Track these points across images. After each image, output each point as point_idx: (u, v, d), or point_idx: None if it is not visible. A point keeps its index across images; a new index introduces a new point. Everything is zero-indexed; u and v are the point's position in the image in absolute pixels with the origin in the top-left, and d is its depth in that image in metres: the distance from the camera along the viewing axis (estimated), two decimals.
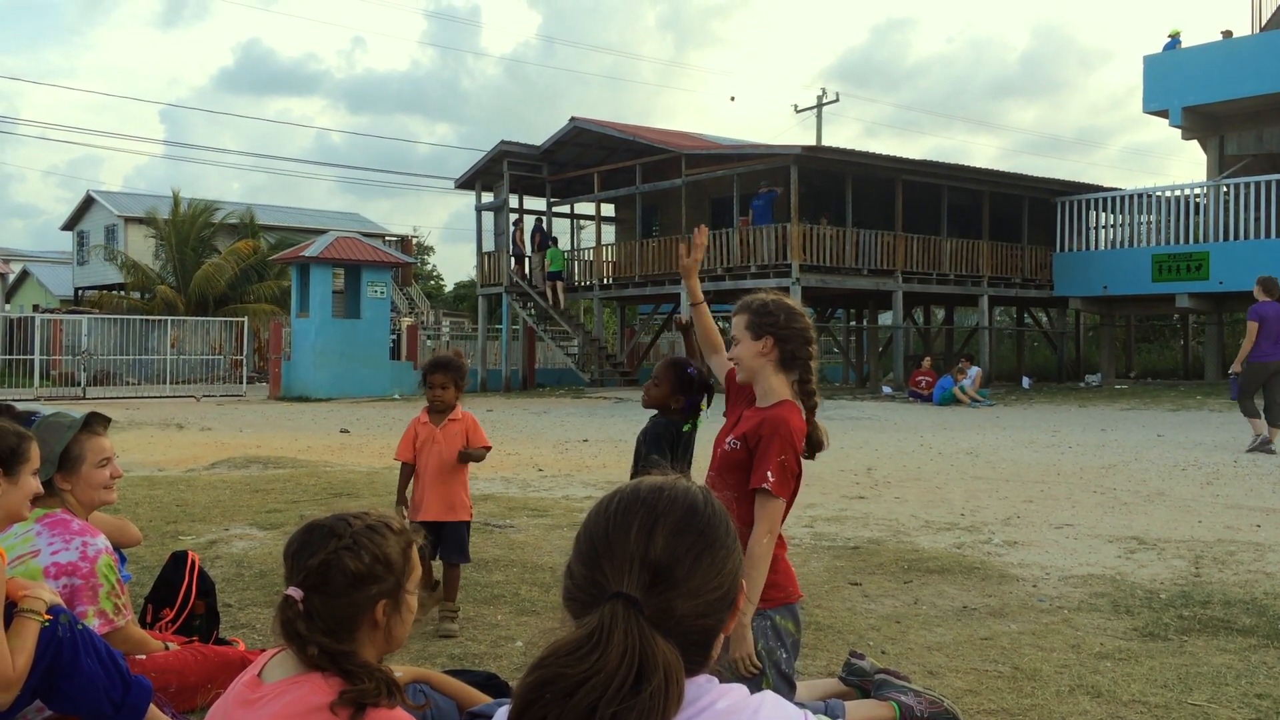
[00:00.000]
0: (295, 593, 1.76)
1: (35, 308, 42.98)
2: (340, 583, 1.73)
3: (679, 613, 1.25)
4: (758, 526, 2.93)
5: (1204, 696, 3.57)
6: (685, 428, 3.95)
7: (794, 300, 3.23)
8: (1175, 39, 24.93)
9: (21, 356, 25.60)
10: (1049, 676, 3.80)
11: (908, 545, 6.26)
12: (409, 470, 4.62)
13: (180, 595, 3.81)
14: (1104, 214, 25.45)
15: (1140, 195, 24.51)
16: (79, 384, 25.22)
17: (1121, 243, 24.83)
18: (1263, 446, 11.07)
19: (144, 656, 3.06)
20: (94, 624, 2.91)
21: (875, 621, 4.54)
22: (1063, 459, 10.84)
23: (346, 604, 1.73)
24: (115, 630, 3.01)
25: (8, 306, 40.30)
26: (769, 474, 2.93)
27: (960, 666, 3.92)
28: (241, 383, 27.38)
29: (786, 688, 3.04)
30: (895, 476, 9.49)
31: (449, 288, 59.32)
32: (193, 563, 3.89)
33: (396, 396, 24.48)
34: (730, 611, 1.33)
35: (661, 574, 1.26)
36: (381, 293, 25.61)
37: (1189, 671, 3.84)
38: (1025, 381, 24.14)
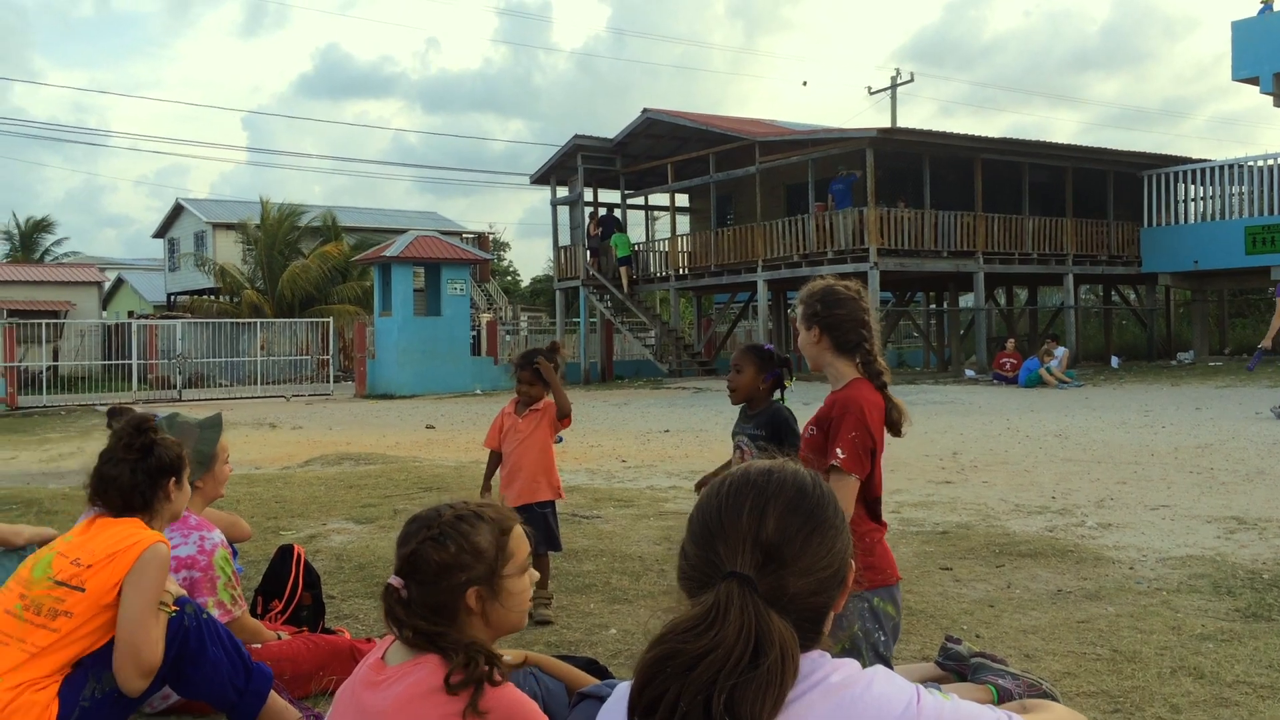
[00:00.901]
0: (396, 581, 1.85)
1: (131, 314, 44.55)
2: (429, 571, 1.80)
3: (791, 590, 1.30)
4: None
5: None
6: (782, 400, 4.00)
7: (846, 282, 3.21)
8: (1268, 4, 24.00)
9: (120, 361, 26.58)
10: (1149, 658, 3.75)
11: (998, 529, 6.19)
12: (496, 458, 4.75)
13: (288, 587, 3.97)
14: (1193, 186, 24.66)
15: (1231, 166, 23.69)
16: (175, 387, 26.10)
17: (1212, 215, 24.03)
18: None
19: (259, 645, 3.20)
20: (214, 614, 3.06)
21: (968, 606, 4.51)
22: (1156, 439, 10.58)
23: (436, 591, 1.80)
24: (232, 620, 3.16)
25: (105, 313, 41.87)
26: (839, 451, 2.95)
27: (1057, 649, 3.89)
28: (328, 382, 28.03)
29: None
30: (982, 460, 9.37)
31: (525, 283, 59.93)
32: (299, 556, 4.05)
33: (478, 392, 24.83)
34: (841, 589, 1.36)
35: (773, 553, 1.31)
36: (461, 290, 25.99)
37: None
38: (1114, 361, 23.54)
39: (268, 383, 27.20)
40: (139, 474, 2.68)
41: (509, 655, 2.16)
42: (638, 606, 4.56)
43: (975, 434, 11.63)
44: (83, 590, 2.55)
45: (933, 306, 29.36)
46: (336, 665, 3.30)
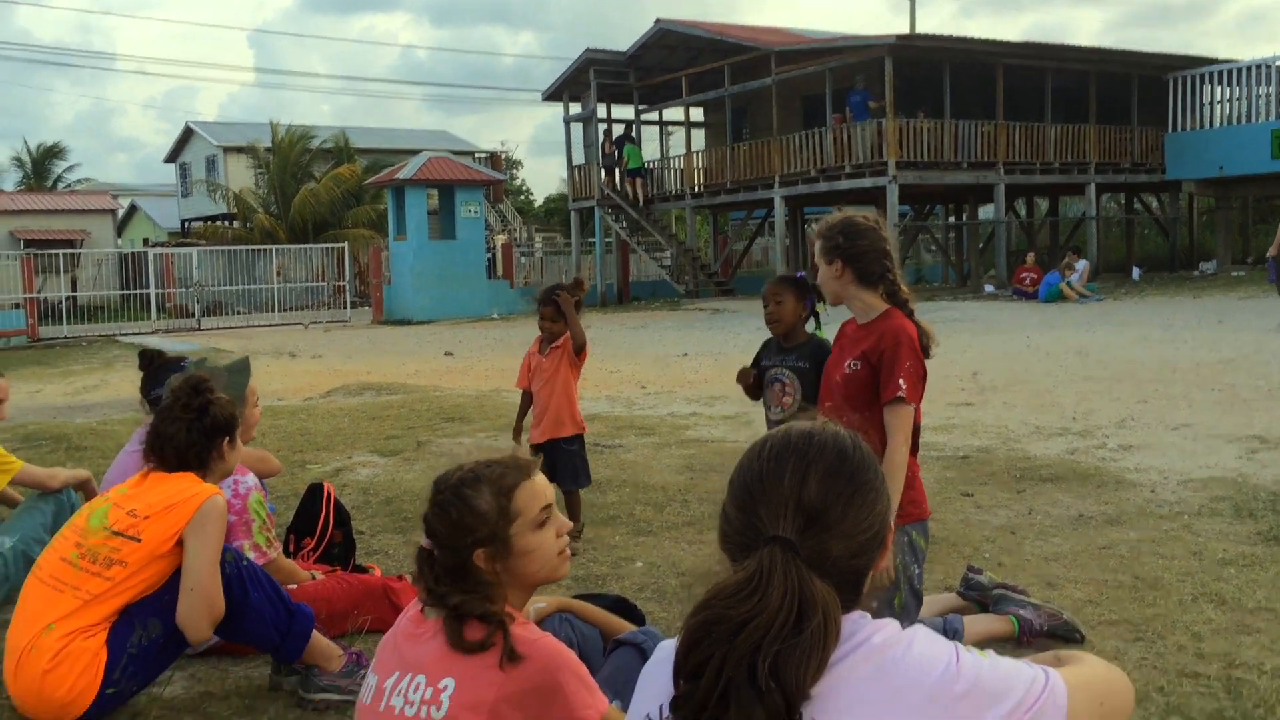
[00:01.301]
0: (426, 542, 1.88)
1: (145, 241, 44.55)
2: (439, 537, 1.84)
3: (833, 554, 1.30)
4: (895, 436, 2.97)
5: None
6: (818, 332, 3.96)
7: (864, 214, 3.20)
8: None
9: (138, 291, 26.67)
10: (1171, 585, 3.78)
11: (1019, 453, 6.21)
12: (528, 398, 4.76)
13: (319, 525, 4.03)
14: (1220, 88, 24.07)
15: (1258, 66, 23.07)
16: (193, 315, 26.24)
17: (1238, 118, 23.51)
18: None
19: (295, 586, 3.26)
20: (250, 557, 3.12)
21: (990, 533, 4.55)
22: (1178, 354, 10.53)
23: (448, 554, 1.83)
24: (268, 562, 3.22)
25: (120, 241, 41.91)
26: (901, 383, 2.97)
27: (1079, 577, 3.92)
28: (345, 308, 28.09)
29: (916, 603, 3.10)
30: (1002, 380, 9.36)
31: (538, 202, 59.49)
32: (329, 494, 4.10)
33: (495, 316, 24.85)
34: (881, 550, 1.37)
35: (815, 518, 1.31)
36: (475, 212, 25.84)
37: None
38: (1135, 272, 23.32)
39: (285, 309, 27.28)
40: (195, 433, 2.74)
41: (543, 602, 2.20)
42: (662, 539, 4.61)
43: (995, 352, 11.59)
44: (139, 540, 2.61)
45: (951, 219, 29.04)
46: (370, 604, 3.37)
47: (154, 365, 3.69)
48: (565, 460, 4.60)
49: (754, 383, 4.04)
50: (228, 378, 3.26)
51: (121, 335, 23.25)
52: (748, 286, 27.70)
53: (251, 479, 3.25)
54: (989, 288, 21.65)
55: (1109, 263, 26.07)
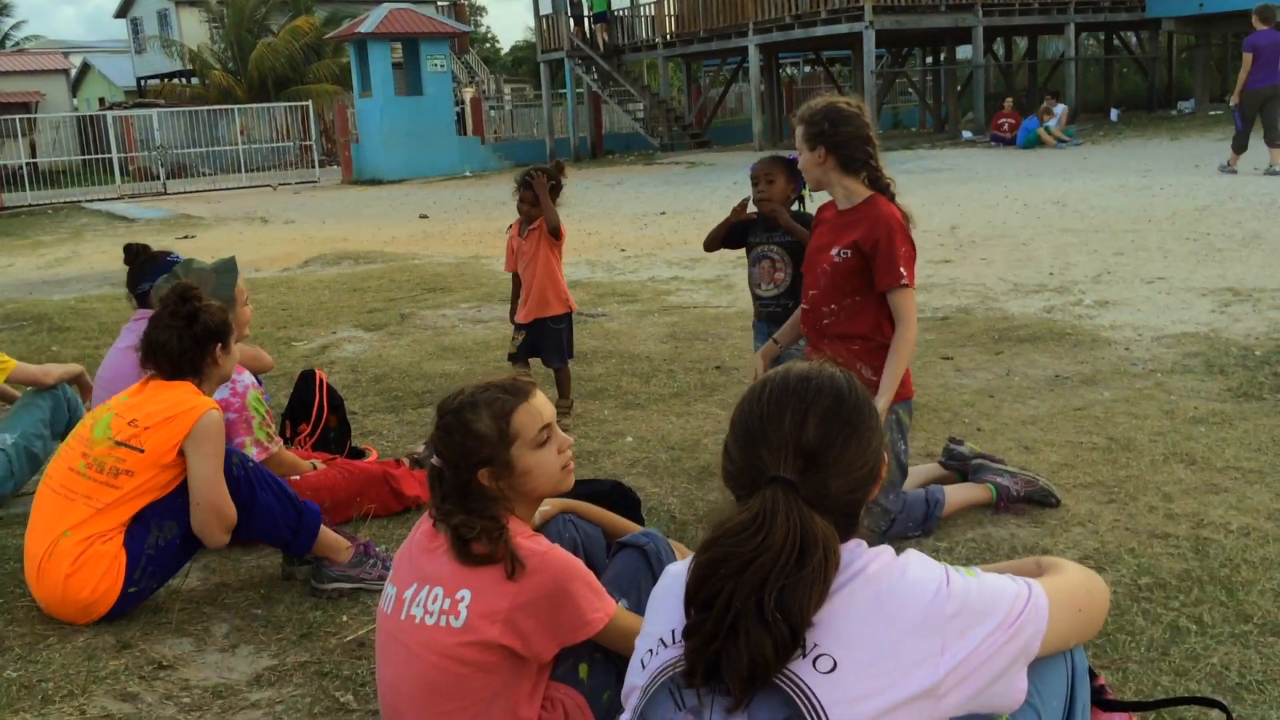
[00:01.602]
0: (437, 461, 1.94)
1: (101, 102, 43.11)
2: (445, 459, 1.90)
3: (832, 491, 1.38)
4: (905, 320, 3.06)
5: None
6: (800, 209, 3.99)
7: (847, 99, 3.20)
8: None
9: (99, 156, 26.01)
10: (1143, 446, 3.91)
11: (997, 312, 6.31)
12: (517, 280, 4.77)
13: (313, 412, 4.09)
14: None
15: None
16: (158, 178, 25.70)
17: None
18: (1228, 169, 12.18)
19: (298, 477, 3.35)
20: (252, 453, 3.19)
21: (969, 397, 4.66)
22: (1154, 203, 10.57)
23: (454, 474, 1.90)
24: (270, 456, 3.29)
25: (75, 102, 40.55)
26: (901, 270, 3.04)
27: (1055, 440, 4.05)
28: (313, 167, 27.54)
29: (901, 476, 3.24)
30: (981, 234, 9.40)
31: (505, 50, 57.72)
32: (321, 381, 4.15)
33: (467, 174, 24.46)
34: (875, 484, 1.45)
35: (814, 458, 1.38)
36: (441, 66, 25.10)
37: None
38: (1113, 114, 23.07)
39: (251, 170, 26.73)
40: (185, 340, 2.76)
41: (547, 505, 2.28)
42: (650, 411, 4.71)
43: (973, 204, 11.60)
44: (141, 451, 2.66)
45: (929, 61, 28.47)
46: (372, 492, 3.46)
47: (139, 259, 3.67)
48: (551, 339, 4.65)
49: (742, 225, 4.04)
50: (215, 279, 3.26)
51: (87, 202, 22.78)
52: (723, 136, 27.28)
53: (248, 377, 3.29)
54: (967, 134, 21.44)
55: (1087, 103, 25.74)
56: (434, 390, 5.21)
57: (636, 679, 1.44)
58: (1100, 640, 2.51)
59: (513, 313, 4.80)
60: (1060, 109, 18.61)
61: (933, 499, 3.29)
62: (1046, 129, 18.03)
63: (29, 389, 3.85)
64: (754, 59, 23.05)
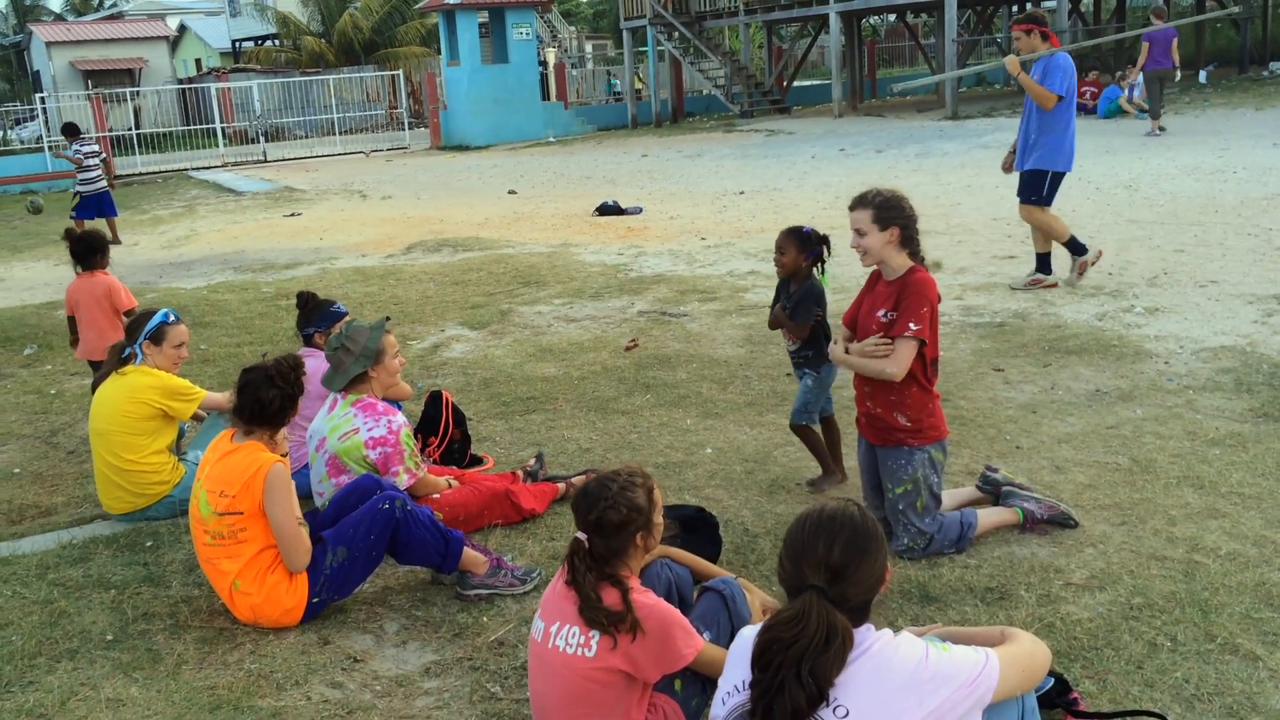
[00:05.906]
0: (582, 536, 2.61)
1: (198, 64, 44.65)
2: (610, 529, 2.57)
3: (850, 595, 2.03)
4: (899, 354, 3.70)
5: None
6: (821, 279, 4.48)
7: (900, 190, 3.83)
8: None
9: (203, 126, 27.29)
10: (1162, 468, 4.39)
11: (1051, 319, 6.76)
12: None
13: (441, 428, 4.84)
14: None
15: None
16: (258, 142, 26.92)
17: None
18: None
19: (438, 496, 4.09)
20: (404, 479, 3.93)
21: (1014, 413, 5.18)
22: (1224, 189, 10.77)
23: (616, 541, 2.58)
24: (417, 480, 4.03)
25: (173, 63, 42.07)
26: (911, 324, 3.69)
27: (1084, 459, 4.55)
28: (403, 129, 28.47)
29: (935, 503, 3.86)
30: None
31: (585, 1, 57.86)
32: (448, 401, 4.89)
33: (551, 139, 25.10)
34: (881, 586, 2.09)
35: (838, 573, 2.03)
36: (526, 34, 25.70)
37: None
38: (1202, 75, 22.71)
39: (344, 133, 27.77)
40: (284, 401, 3.46)
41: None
42: (727, 421, 5.32)
43: None
44: (240, 514, 3.38)
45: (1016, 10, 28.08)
46: (496, 506, 4.19)
47: (309, 307, 4.46)
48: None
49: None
50: (369, 333, 4.00)
51: (193, 170, 24.02)
52: (803, 97, 27.43)
53: (401, 418, 4.02)
54: None
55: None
56: (537, 396, 5.89)
57: (718, 711, 2.12)
58: (1089, 654, 3.11)
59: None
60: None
61: (966, 522, 3.89)
62: (1129, 99, 17.96)
63: (213, 411, 4.66)
64: (834, 26, 23.16)
